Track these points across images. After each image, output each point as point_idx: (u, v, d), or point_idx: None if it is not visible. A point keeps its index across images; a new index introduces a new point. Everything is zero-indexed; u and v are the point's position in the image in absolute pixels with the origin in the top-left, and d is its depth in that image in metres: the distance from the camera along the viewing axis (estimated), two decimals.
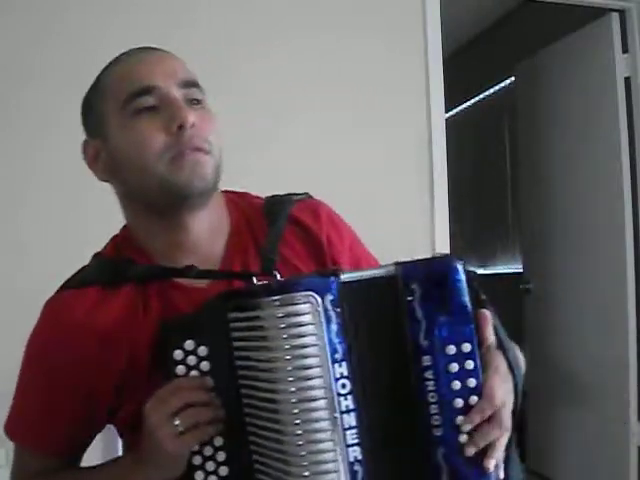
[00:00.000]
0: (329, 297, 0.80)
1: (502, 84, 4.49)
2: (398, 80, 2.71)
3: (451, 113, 4.54)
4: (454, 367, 0.81)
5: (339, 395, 0.80)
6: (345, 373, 0.80)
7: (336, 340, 0.80)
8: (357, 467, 0.80)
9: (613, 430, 2.99)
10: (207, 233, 1.00)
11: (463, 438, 0.82)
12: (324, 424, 0.79)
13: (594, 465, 3.13)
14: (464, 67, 4.44)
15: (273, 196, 1.11)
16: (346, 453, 0.80)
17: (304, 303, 0.79)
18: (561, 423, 3.38)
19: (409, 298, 0.82)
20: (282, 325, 0.80)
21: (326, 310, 0.80)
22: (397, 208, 2.65)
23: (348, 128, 2.60)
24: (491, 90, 4.66)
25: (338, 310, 0.80)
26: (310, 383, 0.79)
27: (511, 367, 0.86)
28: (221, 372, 0.88)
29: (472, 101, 4.90)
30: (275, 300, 0.80)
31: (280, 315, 0.80)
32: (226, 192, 1.08)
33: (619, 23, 3.07)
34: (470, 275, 0.84)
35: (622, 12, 3.10)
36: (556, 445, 3.41)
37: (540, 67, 3.56)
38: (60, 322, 0.99)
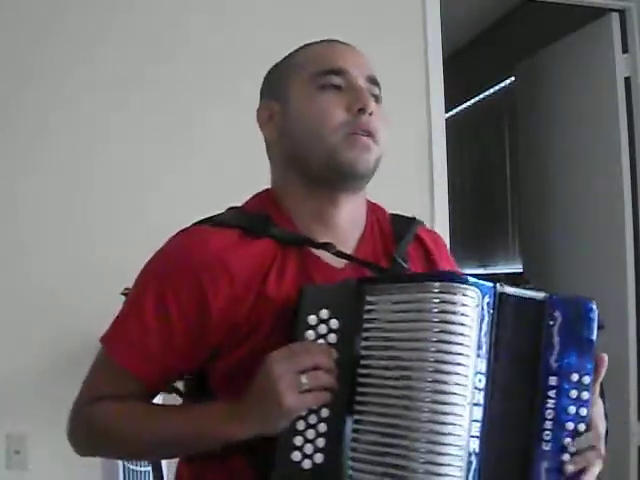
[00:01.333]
0: (487, 300, 0.87)
1: (502, 84, 4.49)
2: (398, 80, 2.70)
3: (451, 113, 4.54)
4: (573, 394, 0.91)
5: (475, 387, 0.86)
6: (483, 370, 0.86)
7: (484, 339, 0.87)
8: (473, 458, 0.85)
9: (613, 430, 2.99)
10: (349, 220, 1.05)
11: (566, 457, 0.90)
12: (456, 409, 0.84)
13: None
14: (464, 67, 4.44)
15: (399, 214, 1.18)
16: (468, 442, 0.84)
17: (467, 296, 0.86)
18: None
19: (550, 323, 0.92)
20: (437, 310, 0.85)
21: (482, 310, 0.87)
22: (397, 208, 2.64)
23: None
24: (491, 90, 4.66)
25: (491, 313, 0.88)
26: (453, 368, 0.84)
27: (606, 415, 0.98)
28: (345, 347, 0.90)
29: (472, 101, 4.90)
30: (436, 286, 0.86)
31: (437, 300, 0.86)
32: (366, 199, 1.13)
33: (619, 23, 3.06)
34: (600, 319, 0.94)
35: (622, 12, 3.09)
36: None
37: (540, 67, 3.56)
38: (192, 250, 0.98)
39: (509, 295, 0.90)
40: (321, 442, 0.89)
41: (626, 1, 3.08)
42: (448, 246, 1.28)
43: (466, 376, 0.85)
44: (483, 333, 0.87)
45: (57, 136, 2.35)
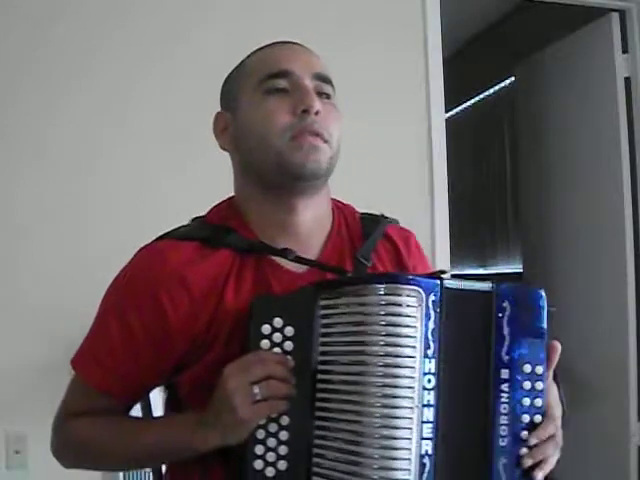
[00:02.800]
0: (432, 297, 0.86)
1: (502, 84, 4.49)
2: (398, 80, 2.71)
3: (451, 113, 4.54)
4: (527, 385, 0.90)
5: (424, 388, 0.85)
6: (433, 370, 0.86)
7: (431, 338, 0.86)
8: (426, 460, 0.84)
9: (613, 430, 2.99)
10: (311, 223, 1.05)
11: (523, 451, 0.89)
12: (405, 412, 0.84)
13: (594, 465, 3.13)
14: (464, 67, 4.43)
15: (369, 213, 1.17)
16: (419, 445, 0.84)
17: (410, 296, 0.85)
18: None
19: (499, 314, 0.90)
20: (382, 312, 0.85)
21: (427, 308, 0.86)
22: (397, 208, 2.64)
23: (347, 128, 2.59)
24: (491, 90, 4.66)
25: (437, 311, 0.86)
26: (400, 371, 0.84)
27: (561, 399, 0.97)
28: (302, 354, 0.91)
29: (472, 101, 4.90)
30: (381, 288, 0.86)
31: (383, 303, 0.85)
32: (333, 199, 1.13)
33: (619, 23, 3.06)
34: (550, 308, 0.93)
35: (622, 12, 3.09)
36: None
37: (540, 67, 3.56)
38: (152, 266, 1.01)
39: (452, 289, 0.88)
40: (283, 450, 0.89)
41: (626, 1, 3.08)
42: (447, 246, 1.27)
43: (412, 377, 0.84)
44: (430, 332, 0.86)
45: (54, 138, 2.35)
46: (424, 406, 0.84)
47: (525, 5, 3.84)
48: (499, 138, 4.60)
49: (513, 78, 4.03)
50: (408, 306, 0.85)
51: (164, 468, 1.12)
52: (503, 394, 0.89)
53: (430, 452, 0.84)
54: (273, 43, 1.08)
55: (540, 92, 3.58)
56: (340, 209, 1.13)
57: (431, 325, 0.86)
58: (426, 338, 0.85)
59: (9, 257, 2.28)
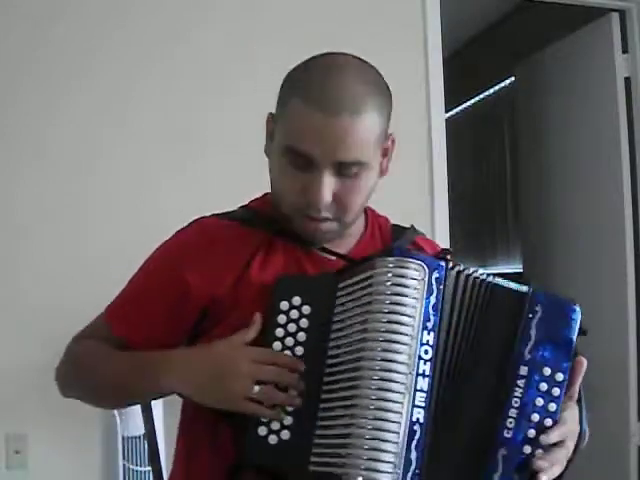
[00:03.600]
0: (435, 274, 0.91)
1: (502, 84, 4.49)
2: (398, 80, 2.70)
3: (451, 113, 4.54)
4: (543, 386, 0.91)
5: (420, 358, 0.88)
6: (431, 342, 0.89)
7: (431, 312, 0.90)
8: (417, 427, 0.87)
9: (613, 430, 2.99)
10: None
11: (527, 449, 0.90)
12: (399, 377, 0.87)
13: (594, 465, 3.13)
14: (464, 67, 4.43)
15: (399, 224, 1.20)
16: (411, 411, 0.87)
17: (414, 270, 0.90)
18: None
19: (530, 315, 0.93)
20: (389, 283, 0.90)
21: (430, 284, 0.90)
22: (397, 208, 2.63)
23: None
24: (491, 90, 4.66)
25: (440, 287, 0.91)
26: (397, 337, 0.88)
27: (580, 425, 0.98)
28: (316, 332, 0.95)
29: (472, 101, 4.90)
30: (390, 261, 0.91)
31: (390, 275, 0.90)
32: (368, 208, 1.16)
33: (619, 23, 3.06)
34: (581, 327, 0.96)
35: (622, 12, 3.09)
36: None
37: (540, 67, 3.56)
38: (187, 234, 1.08)
39: (474, 277, 0.94)
40: (288, 420, 0.92)
41: (626, 1, 3.08)
42: (447, 245, 1.29)
43: (408, 345, 0.87)
44: (431, 306, 0.90)
45: (54, 138, 2.35)
46: (418, 375, 0.87)
47: (525, 5, 3.84)
48: (499, 138, 4.60)
49: (513, 78, 4.03)
50: (411, 279, 0.89)
51: (169, 462, 1.12)
52: (518, 389, 0.91)
53: (422, 420, 0.87)
54: (321, 80, 0.98)
55: (540, 92, 3.58)
56: (373, 215, 1.17)
57: (432, 300, 0.90)
58: (426, 311, 0.89)
59: (9, 257, 2.28)
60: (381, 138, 1.05)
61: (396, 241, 1.12)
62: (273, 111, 1.05)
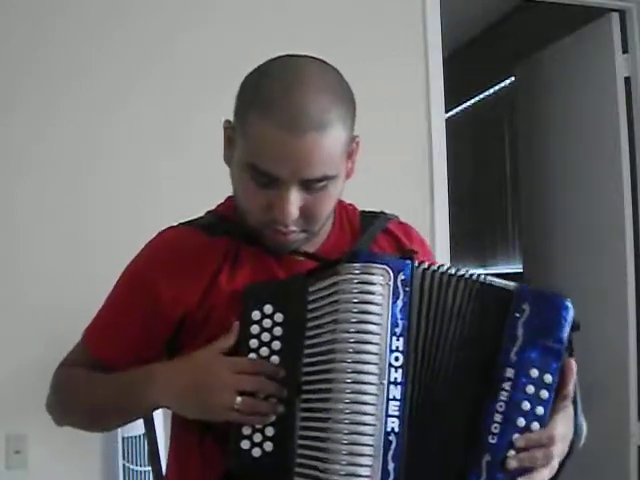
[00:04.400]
0: (401, 276, 0.87)
1: (502, 84, 4.49)
2: (398, 80, 2.71)
3: (451, 113, 4.54)
4: (530, 389, 0.87)
5: (390, 366, 0.85)
6: (401, 348, 0.86)
7: (399, 316, 0.86)
8: (392, 437, 0.84)
9: (613, 430, 2.99)
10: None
11: (511, 453, 0.86)
12: (371, 388, 0.85)
13: (594, 465, 3.13)
14: (464, 67, 4.43)
15: (370, 210, 1.16)
16: (384, 422, 0.84)
17: (378, 275, 0.87)
18: None
19: (516, 315, 0.89)
20: (355, 290, 0.87)
21: (396, 287, 0.87)
22: (397, 208, 2.64)
23: None
24: (491, 90, 4.66)
25: (407, 290, 0.87)
26: (365, 347, 0.85)
27: (575, 424, 0.93)
28: (291, 340, 0.92)
29: (472, 101, 4.89)
30: (355, 267, 0.88)
31: (355, 282, 0.87)
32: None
33: (619, 23, 3.06)
34: (574, 323, 0.91)
35: (622, 12, 3.09)
36: None
37: (540, 67, 3.56)
38: (150, 251, 1.07)
39: (448, 274, 0.90)
40: (270, 431, 0.90)
41: (626, 1, 3.08)
42: (447, 246, 1.27)
43: (377, 354, 0.85)
44: (398, 310, 0.86)
45: (54, 138, 2.35)
46: (390, 383, 0.85)
47: (525, 5, 3.84)
48: (499, 138, 4.60)
49: (513, 78, 4.03)
50: (376, 284, 0.86)
51: (166, 452, 1.12)
52: (503, 392, 0.87)
53: (397, 430, 0.84)
54: (285, 96, 0.92)
55: (540, 92, 3.58)
56: (342, 207, 1.13)
57: (399, 303, 0.87)
58: (394, 316, 0.86)
59: (9, 257, 2.28)
60: (347, 146, 1.00)
61: (365, 232, 1.09)
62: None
